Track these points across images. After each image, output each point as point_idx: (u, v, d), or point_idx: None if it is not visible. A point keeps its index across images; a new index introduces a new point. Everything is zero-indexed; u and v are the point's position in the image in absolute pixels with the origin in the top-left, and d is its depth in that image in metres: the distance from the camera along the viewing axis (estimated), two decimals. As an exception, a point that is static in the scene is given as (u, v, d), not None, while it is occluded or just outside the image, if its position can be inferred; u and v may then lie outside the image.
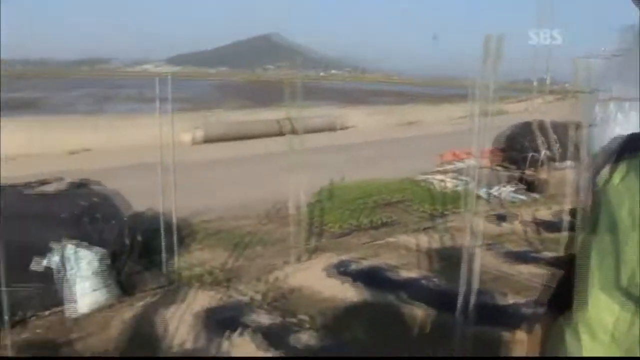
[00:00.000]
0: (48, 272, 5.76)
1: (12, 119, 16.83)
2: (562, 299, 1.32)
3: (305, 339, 4.93)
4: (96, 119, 21.08)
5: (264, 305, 5.74)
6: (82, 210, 6.41)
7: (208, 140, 19.12)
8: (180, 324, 5.23)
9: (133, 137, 17.20)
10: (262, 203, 9.71)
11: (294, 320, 5.39)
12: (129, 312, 5.64)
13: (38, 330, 5.37)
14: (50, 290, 5.72)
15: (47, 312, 5.67)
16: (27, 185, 7.07)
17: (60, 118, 22.31)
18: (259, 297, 5.96)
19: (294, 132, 7.43)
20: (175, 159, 6.48)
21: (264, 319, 5.36)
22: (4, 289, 4.30)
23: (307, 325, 5.27)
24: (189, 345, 4.95)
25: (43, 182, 7.30)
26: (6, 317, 4.31)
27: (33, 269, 5.65)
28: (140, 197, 7.39)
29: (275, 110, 20.20)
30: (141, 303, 5.82)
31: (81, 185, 7.32)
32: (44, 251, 5.75)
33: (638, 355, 1.10)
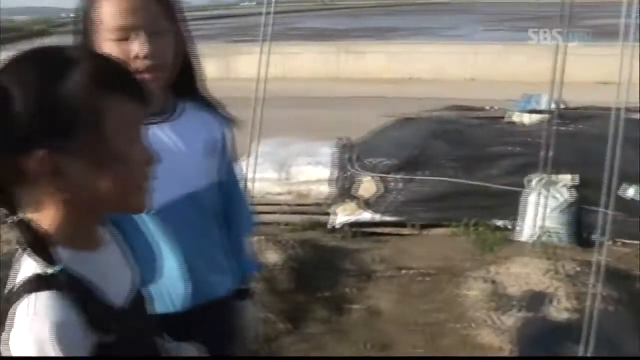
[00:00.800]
0: (632, 203, 5.55)
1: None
2: None
3: None
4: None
5: None
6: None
7: None
8: None
9: None
10: None
11: None
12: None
13: (609, 259, 5.23)
14: (630, 221, 5.51)
15: (619, 242, 5.50)
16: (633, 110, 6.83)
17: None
18: None
19: None
20: None
21: None
22: (601, 210, 4.22)
23: None
24: None
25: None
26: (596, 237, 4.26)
27: (620, 194, 5.48)
28: None
29: None
30: None
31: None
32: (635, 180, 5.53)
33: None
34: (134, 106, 1.04)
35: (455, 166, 5.72)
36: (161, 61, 1.64)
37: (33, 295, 0.96)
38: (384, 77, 15.40)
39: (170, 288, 1.71)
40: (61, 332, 0.94)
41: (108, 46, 1.59)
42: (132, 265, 1.24)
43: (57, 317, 0.95)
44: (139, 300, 1.21)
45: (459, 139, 5.96)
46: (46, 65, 0.99)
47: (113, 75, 1.03)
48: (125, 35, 1.59)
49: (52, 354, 0.93)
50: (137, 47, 1.59)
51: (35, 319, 0.94)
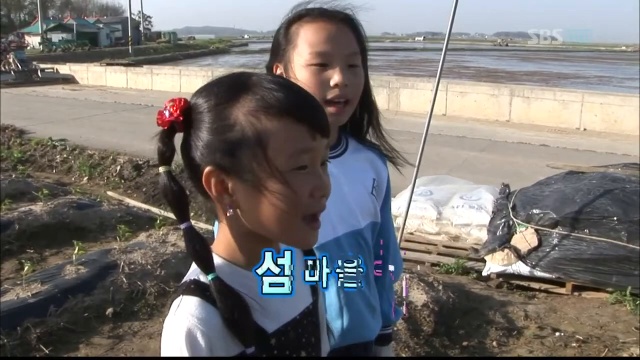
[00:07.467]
0: None
1: None
2: None
3: None
4: None
5: None
6: None
7: None
8: None
9: None
10: None
11: None
12: None
13: None
14: None
15: None
16: None
17: None
18: None
19: None
20: None
21: None
22: None
23: None
24: None
25: None
26: None
27: None
28: None
29: None
30: None
31: None
32: None
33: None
34: (301, 133, 1.05)
35: (620, 228, 5.37)
36: (354, 95, 1.64)
37: (183, 297, 1.07)
38: (551, 124, 14.90)
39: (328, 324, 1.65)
40: (193, 335, 1.02)
41: (305, 71, 1.60)
42: (307, 290, 1.27)
43: (193, 321, 1.03)
44: (306, 325, 1.23)
45: (628, 200, 5.56)
46: (226, 89, 1.08)
47: (282, 101, 1.05)
48: (325, 61, 1.59)
49: (185, 353, 1.02)
50: (338, 76, 1.58)
51: (175, 319, 1.05)
